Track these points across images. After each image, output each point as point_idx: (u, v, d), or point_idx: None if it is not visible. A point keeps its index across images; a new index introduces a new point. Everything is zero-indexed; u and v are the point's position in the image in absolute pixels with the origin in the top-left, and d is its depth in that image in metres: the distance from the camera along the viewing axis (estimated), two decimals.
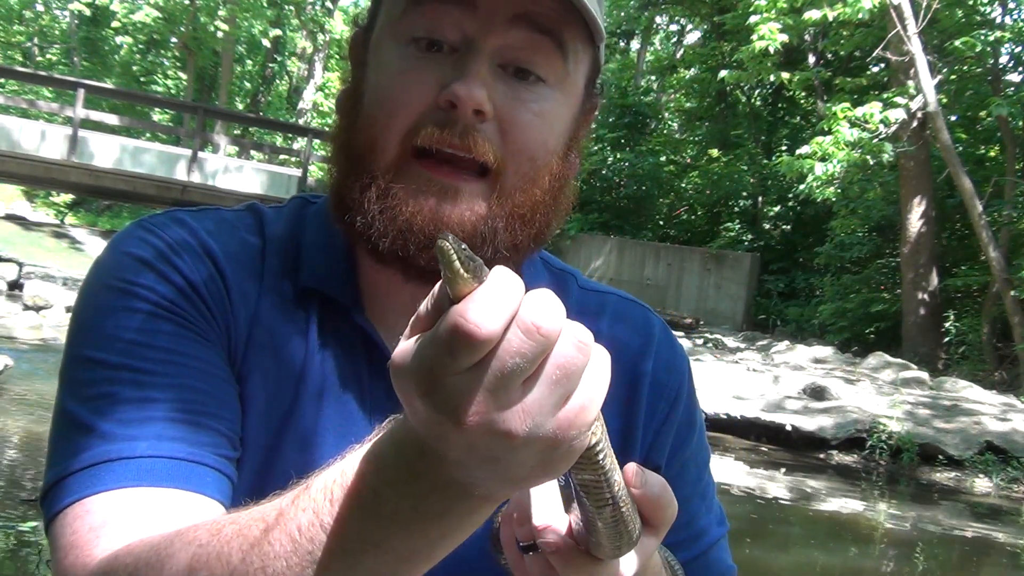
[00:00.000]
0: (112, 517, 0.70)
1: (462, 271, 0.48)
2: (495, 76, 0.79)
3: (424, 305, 0.51)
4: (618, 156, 21.57)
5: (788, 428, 9.19)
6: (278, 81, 36.85)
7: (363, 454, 0.57)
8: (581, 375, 0.50)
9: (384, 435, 0.56)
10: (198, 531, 0.63)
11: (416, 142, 0.79)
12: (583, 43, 0.83)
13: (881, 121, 12.31)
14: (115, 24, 31.58)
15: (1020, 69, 16.01)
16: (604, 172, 21.42)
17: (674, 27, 28.84)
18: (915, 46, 11.94)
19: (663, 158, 22.53)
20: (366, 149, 0.82)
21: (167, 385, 0.76)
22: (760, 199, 20.33)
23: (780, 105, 21.99)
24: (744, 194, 20.79)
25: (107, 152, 17.89)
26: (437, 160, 0.79)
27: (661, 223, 22.13)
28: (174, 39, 32.50)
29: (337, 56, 35.86)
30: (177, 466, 0.73)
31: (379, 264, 0.84)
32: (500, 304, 0.48)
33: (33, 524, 4.45)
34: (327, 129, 31.47)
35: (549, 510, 0.65)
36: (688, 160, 23.77)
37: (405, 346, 0.51)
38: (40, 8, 36.62)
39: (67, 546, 0.70)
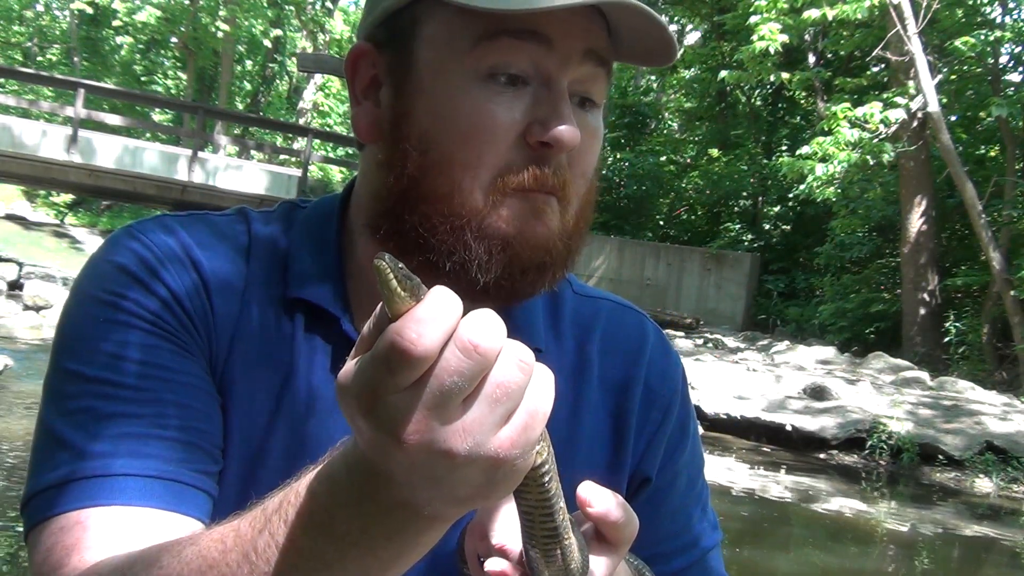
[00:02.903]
0: (84, 536, 0.70)
1: (399, 290, 0.49)
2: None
3: (367, 326, 0.52)
4: (618, 156, 21.58)
5: (788, 428, 9.19)
6: (278, 81, 36.85)
7: (315, 474, 0.58)
8: (522, 394, 0.51)
9: (336, 456, 0.57)
10: (160, 552, 0.64)
11: (511, 184, 0.79)
12: None
13: (881, 121, 12.31)
14: (116, 24, 31.60)
15: (1020, 69, 16.01)
16: (604, 172, 21.42)
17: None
18: (915, 46, 11.94)
19: (663, 158, 22.52)
20: (446, 193, 0.80)
21: (147, 400, 0.76)
22: (760, 199, 20.33)
23: (780, 105, 21.97)
24: (744, 194, 20.78)
25: (107, 152, 17.90)
26: (528, 191, 0.80)
27: (661, 223, 22.12)
28: (174, 39, 32.51)
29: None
30: (151, 484, 0.73)
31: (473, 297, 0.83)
32: (437, 322, 0.48)
33: None
34: (327, 129, 31.53)
35: (507, 529, 0.66)
36: (688, 160, 23.76)
37: (349, 366, 0.52)
38: (40, 8, 36.63)
39: (40, 563, 0.71)
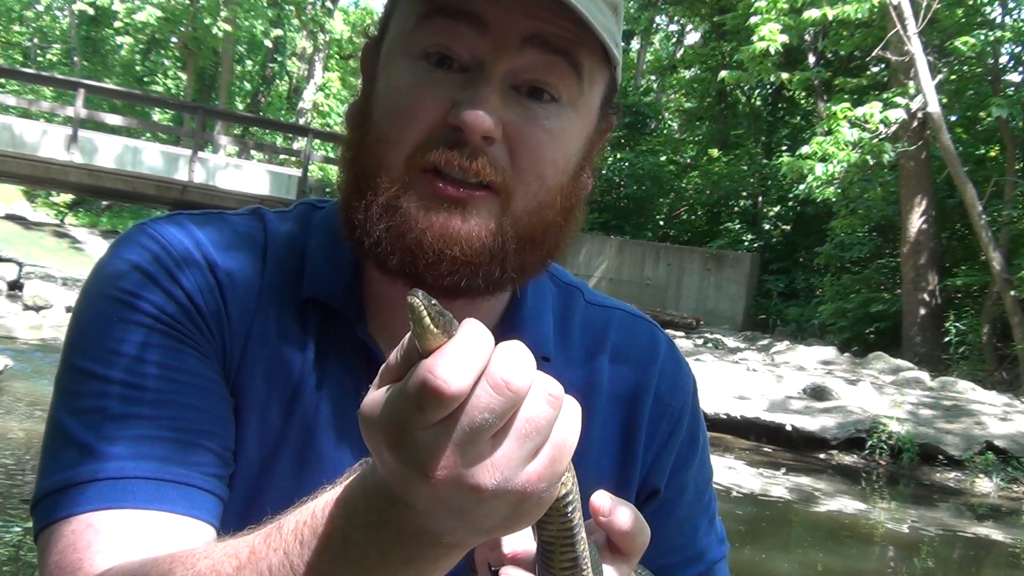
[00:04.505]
0: (95, 540, 0.70)
1: (432, 327, 0.49)
2: (506, 97, 0.77)
3: (394, 355, 0.52)
4: (618, 156, 21.58)
5: (788, 428, 9.18)
6: (278, 81, 36.84)
7: (333, 497, 0.58)
8: (551, 428, 0.51)
9: (354, 480, 0.57)
10: (173, 563, 0.64)
11: (426, 161, 0.76)
12: (599, 63, 0.80)
13: (881, 121, 12.31)
14: (116, 24, 31.61)
15: (1020, 69, 16.01)
16: (604, 172, 21.41)
17: (674, 27, 28.85)
18: (915, 46, 11.93)
19: (663, 158, 22.53)
20: (373, 166, 0.79)
21: (159, 402, 0.75)
22: (760, 199, 20.33)
23: (780, 105, 21.98)
24: (744, 194, 20.79)
25: (107, 152, 17.90)
26: (445, 178, 0.77)
27: (661, 223, 22.12)
28: (174, 39, 32.50)
29: (337, 56, 35.88)
30: (162, 487, 0.73)
31: (388, 277, 0.81)
32: (469, 360, 0.48)
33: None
34: (327, 129, 31.59)
35: (518, 537, 0.65)
36: (688, 160, 23.76)
37: (374, 396, 0.51)
38: (40, 8, 36.62)
39: (50, 565, 0.71)
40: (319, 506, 0.58)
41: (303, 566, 0.57)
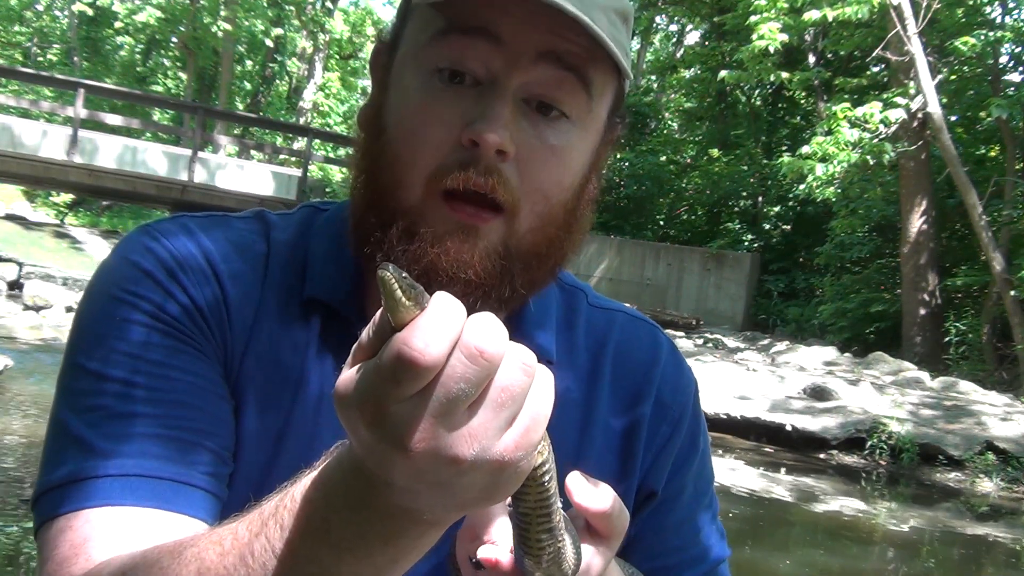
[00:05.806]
0: (92, 536, 0.71)
1: (404, 299, 0.49)
2: (518, 113, 0.78)
3: (366, 333, 0.52)
4: (618, 156, 21.57)
5: (789, 428, 9.18)
6: (278, 81, 36.83)
7: (311, 480, 0.58)
8: (526, 396, 0.51)
9: (331, 461, 0.57)
10: (161, 554, 0.65)
11: (443, 186, 0.77)
12: (609, 75, 0.81)
13: (881, 121, 12.31)
14: (117, 24, 31.60)
15: (1020, 69, 16.00)
16: (604, 172, 21.38)
17: (674, 27, 28.83)
18: (915, 46, 11.93)
19: (663, 158, 22.52)
20: (390, 186, 0.80)
21: (159, 401, 0.76)
22: (760, 199, 20.32)
23: (780, 105, 21.98)
24: (744, 194, 20.78)
25: (108, 152, 17.91)
26: (460, 199, 0.78)
27: (661, 223, 22.12)
28: (174, 39, 32.49)
29: (337, 56, 35.87)
30: (161, 485, 0.73)
31: None
32: (443, 330, 0.48)
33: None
34: (327, 129, 31.47)
35: (498, 528, 0.66)
36: (688, 160, 23.76)
37: (348, 375, 0.52)
38: (40, 8, 36.60)
39: (49, 560, 0.72)
40: (298, 490, 0.59)
41: (284, 550, 0.58)
